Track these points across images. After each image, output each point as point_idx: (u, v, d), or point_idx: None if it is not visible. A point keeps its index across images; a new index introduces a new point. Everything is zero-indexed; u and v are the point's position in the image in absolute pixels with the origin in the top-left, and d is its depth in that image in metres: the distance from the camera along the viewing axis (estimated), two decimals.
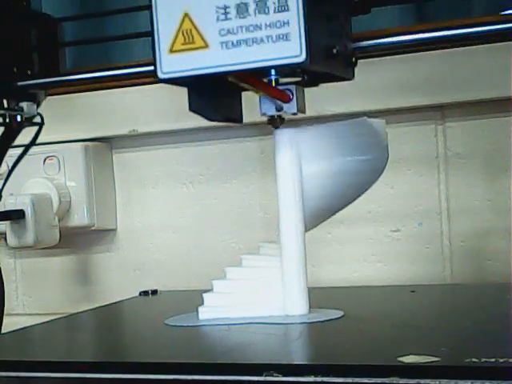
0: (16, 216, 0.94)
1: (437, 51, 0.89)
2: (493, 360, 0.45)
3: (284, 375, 0.47)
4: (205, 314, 0.66)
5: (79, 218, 1.02)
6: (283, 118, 0.65)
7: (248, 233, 1.00)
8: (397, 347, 0.52)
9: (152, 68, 0.60)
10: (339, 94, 0.88)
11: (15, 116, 0.73)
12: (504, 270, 0.87)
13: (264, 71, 0.60)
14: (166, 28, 0.58)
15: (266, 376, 0.47)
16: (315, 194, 0.65)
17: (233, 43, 0.57)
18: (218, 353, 0.57)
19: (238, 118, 0.68)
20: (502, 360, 0.45)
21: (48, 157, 1.03)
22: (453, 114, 0.92)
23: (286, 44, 0.55)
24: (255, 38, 0.56)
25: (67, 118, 1.04)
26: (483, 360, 0.45)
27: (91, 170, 1.03)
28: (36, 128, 0.78)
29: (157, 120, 1.02)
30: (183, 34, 0.58)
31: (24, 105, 0.73)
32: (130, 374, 0.51)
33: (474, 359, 0.45)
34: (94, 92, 1.04)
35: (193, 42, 0.58)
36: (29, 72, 0.73)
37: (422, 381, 0.44)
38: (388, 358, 0.48)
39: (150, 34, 0.59)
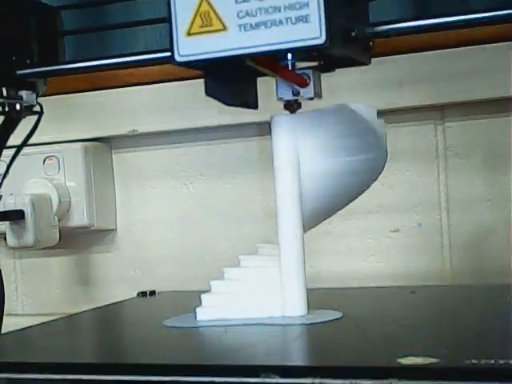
0: (16, 216, 0.94)
1: (437, 51, 0.89)
2: (492, 361, 0.44)
3: (282, 377, 0.47)
4: (203, 314, 0.66)
5: (79, 218, 1.02)
6: (300, 103, 0.65)
7: (248, 233, 1.00)
8: (396, 348, 0.52)
9: (151, 56, 0.59)
10: (339, 94, 0.88)
11: (14, 105, 0.73)
12: (504, 270, 0.87)
13: (280, 55, 0.59)
14: (183, 11, 0.58)
15: (263, 377, 0.47)
16: (313, 194, 0.65)
17: (251, 25, 0.56)
18: (215, 354, 0.57)
19: (253, 104, 0.67)
20: (501, 362, 0.44)
21: (48, 157, 1.03)
22: (453, 114, 0.92)
23: (306, 26, 0.55)
24: (274, 20, 0.55)
25: (67, 118, 1.04)
26: (483, 361, 0.44)
27: (91, 170, 1.03)
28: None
29: (157, 120, 1.02)
30: (201, 17, 0.57)
31: (23, 93, 0.73)
32: (129, 375, 0.50)
33: (473, 360, 0.45)
34: (94, 92, 1.04)
35: (210, 25, 0.57)
36: (28, 61, 0.73)
37: (421, 382, 0.44)
38: (387, 359, 0.48)
39: (153, 21, 0.59)
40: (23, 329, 0.70)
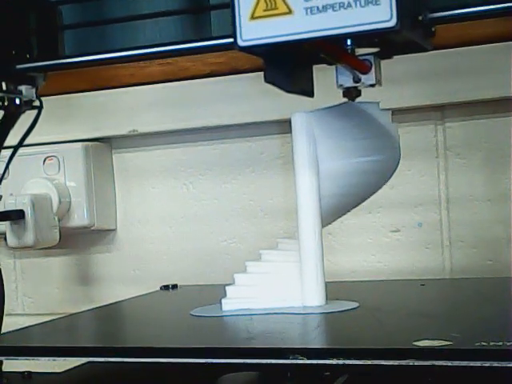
0: (16, 216, 0.94)
1: (437, 51, 0.89)
2: (500, 343, 0.48)
3: (308, 358, 0.50)
4: (228, 305, 0.69)
5: (79, 218, 1.02)
6: (359, 90, 0.64)
7: (248, 233, 1.00)
8: (411, 333, 0.55)
9: (153, 50, 0.58)
10: (339, 94, 0.87)
11: (14, 99, 0.73)
12: (504, 270, 0.87)
13: (339, 40, 0.57)
14: None
15: (292, 359, 0.50)
16: (330, 193, 0.67)
17: (318, 8, 0.54)
18: (244, 339, 0.60)
19: (310, 91, 0.66)
20: (508, 343, 0.48)
21: (48, 157, 1.03)
22: (453, 114, 0.92)
23: (376, 8, 0.52)
24: (342, 3, 0.53)
25: (67, 118, 1.04)
26: (492, 343, 0.48)
27: (91, 170, 1.03)
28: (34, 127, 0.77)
29: (157, 120, 1.02)
30: (265, 0, 0.55)
31: (23, 88, 0.73)
32: (165, 358, 0.55)
33: (483, 343, 0.48)
34: (94, 92, 1.04)
35: (275, 8, 0.55)
36: (28, 56, 0.73)
37: (436, 362, 0.47)
38: (404, 342, 0.51)
39: (151, 15, 0.57)
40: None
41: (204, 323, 0.66)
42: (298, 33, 0.55)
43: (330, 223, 0.72)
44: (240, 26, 0.56)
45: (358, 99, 0.67)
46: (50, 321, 0.75)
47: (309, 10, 0.54)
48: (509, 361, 0.46)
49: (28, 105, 0.74)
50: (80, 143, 1.03)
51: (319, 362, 0.50)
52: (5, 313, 0.83)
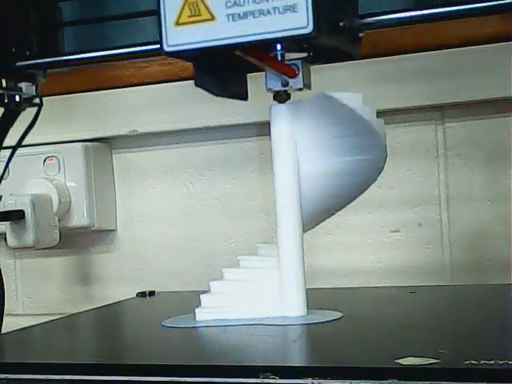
0: (16, 216, 0.94)
1: (437, 51, 0.89)
2: (492, 362, 0.44)
3: (281, 377, 0.46)
4: (202, 315, 0.66)
5: (79, 218, 1.02)
6: (289, 94, 0.64)
7: (248, 233, 1.00)
8: (395, 349, 0.52)
9: (151, 47, 0.59)
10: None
11: (14, 96, 0.73)
12: (504, 270, 0.87)
13: (270, 46, 0.59)
14: (171, 1, 0.57)
15: (262, 378, 0.47)
16: (313, 194, 0.65)
17: (239, 15, 0.56)
18: (214, 354, 0.56)
19: (243, 95, 0.67)
20: (501, 362, 0.44)
21: (48, 157, 1.03)
22: (453, 114, 0.92)
23: (293, 15, 0.55)
24: (262, 10, 0.55)
25: (67, 118, 1.04)
26: (482, 362, 0.44)
27: (91, 170, 1.03)
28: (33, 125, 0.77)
29: (157, 120, 1.02)
30: (189, 7, 0.57)
31: (23, 85, 0.73)
32: (127, 376, 0.50)
33: (473, 361, 0.44)
34: (94, 92, 1.04)
35: (199, 15, 0.57)
36: (27, 53, 0.73)
37: (421, 383, 0.43)
38: (387, 359, 0.47)
39: (151, 13, 0.58)
40: (23, 329, 0.70)
41: (173, 335, 0.63)
42: (220, 38, 0.57)
43: (313, 227, 0.69)
44: (166, 32, 0.58)
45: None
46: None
47: (231, 17, 0.56)
48: (500, 383, 0.42)
49: (28, 102, 0.74)
50: (80, 143, 1.03)
51: (291, 381, 0.46)
52: (5, 313, 0.84)
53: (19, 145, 0.78)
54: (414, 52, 0.90)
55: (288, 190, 0.64)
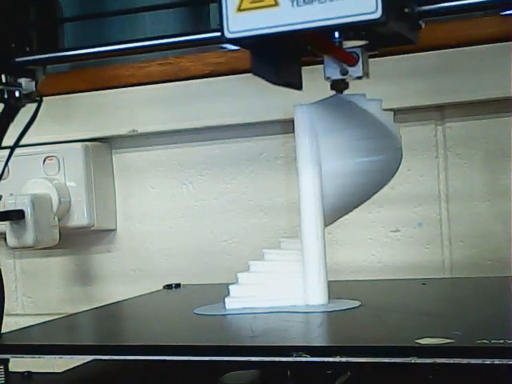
0: (16, 216, 0.94)
1: (437, 51, 0.90)
2: (501, 341, 0.49)
3: (312, 356, 0.51)
4: (231, 304, 0.70)
5: (79, 218, 1.02)
6: (347, 83, 0.64)
7: (248, 233, 1.00)
8: (413, 332, 0.56)
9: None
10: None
11: (14, 92, 0.73)
12: (504, 270, 0.87)
13: (327, 32, 0.57)
14: None
15: (295, 357, 0.51)
16: (332, 192, 0.68)
17: (304, 0, 0.54)
18: (247, 337, 0.61)
19: (298, 84, 0.65)
20: (509, 341, 0.48)
21: (48, 157, 1.03)
22: (453, 114, 0.92)
23: (361, 0, 0.53)
24: None
25: (67, 118, 1.04)
26: (492, 341, 0.49)
27: (91, 170, 1.03)
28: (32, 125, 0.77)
29: (157, 120, 1.02)
30: None
31: (22, 81, 0.73)
32: (167, 356, 0.55)
33: (484, 340, 0.49)
34: (94, 92, 1.04)
35: (262, 0, 0.55)
36: (27, 49, 0.73)
37: (438, 360, 0.48)
38: (406, 340, 0.52)
39: (151, 8, 0.57)
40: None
41: (207, 322, 0.67)
42: (283, 25, 0.55)
43: (331, 223, 0.72)
44: (227, 19, 0.56)
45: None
46: (52, 320, 0.75)
47: (295, 2, 0.54)
48: (509, 358, 0.47)
49: (28, 98, 0.74)
50: (80, 143, 1.03)
51: (322, 359, 0.51)
52: (5, 313, 0.84)
53: (20, 140, 0.78)
54: (414, 52, 0.90)
55: (311, 188, 0.67)
